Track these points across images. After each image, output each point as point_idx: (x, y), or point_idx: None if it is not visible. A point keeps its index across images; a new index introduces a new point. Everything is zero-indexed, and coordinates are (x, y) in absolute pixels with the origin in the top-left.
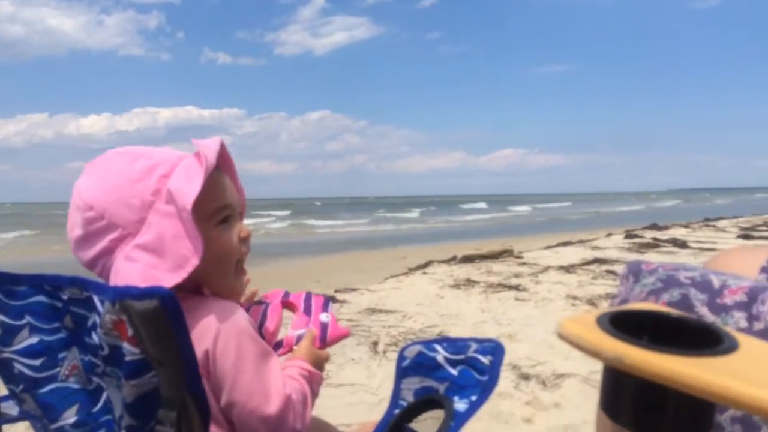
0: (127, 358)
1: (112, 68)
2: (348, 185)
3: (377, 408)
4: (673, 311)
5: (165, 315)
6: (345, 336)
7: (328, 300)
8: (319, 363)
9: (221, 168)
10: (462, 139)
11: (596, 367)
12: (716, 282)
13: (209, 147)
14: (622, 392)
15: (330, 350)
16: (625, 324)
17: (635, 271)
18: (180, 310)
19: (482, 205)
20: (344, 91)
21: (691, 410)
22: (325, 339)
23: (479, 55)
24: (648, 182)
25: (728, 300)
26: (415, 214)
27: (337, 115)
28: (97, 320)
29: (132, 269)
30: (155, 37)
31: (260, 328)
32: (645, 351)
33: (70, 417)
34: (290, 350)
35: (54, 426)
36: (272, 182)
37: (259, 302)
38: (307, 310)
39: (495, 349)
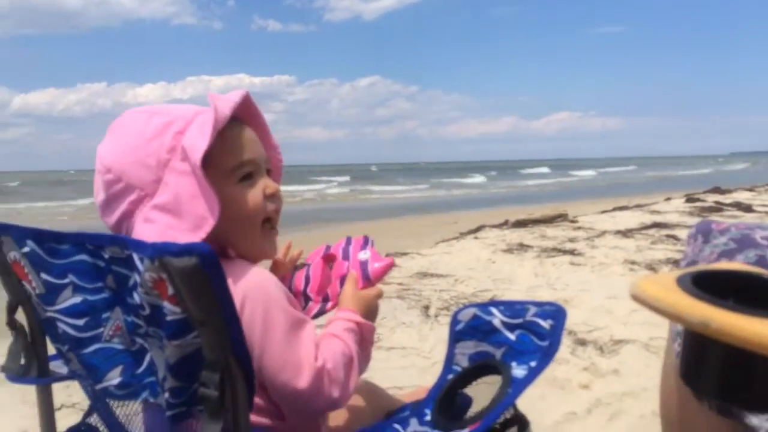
0: (169, 318)
1: (166, 37)
2: (398, 151)
3: (429, 371)
4: (764, 271)
5: (204, 272)
6: (390, 267)
7: (368, 238)
8: (369, 303)
9: (245, 122)
10: (514, 103)
11: (657, 333)
12: None
13: (225, 99)
14: (705, 359)
15: (381, 314)
16: (709, 285)
17: (705, 231)
18: (220, 268)
19: (544, 169)
20: (394, 57)
21: None
22: (368, 276)
23: (531, 16)
24: (710, 145)
25: None
26: (479, 179)
27: (387, 80)
28: (138, 279)
29: (150, 231)
30: (207, 5)
31: (305, 292)
32: (735, 314)
33: (114, 378)
34: (338, 301)
35: (99, 387)
36: (322, 149)
37: (302, 265)
38: (346, 256)
39: (556, 313)
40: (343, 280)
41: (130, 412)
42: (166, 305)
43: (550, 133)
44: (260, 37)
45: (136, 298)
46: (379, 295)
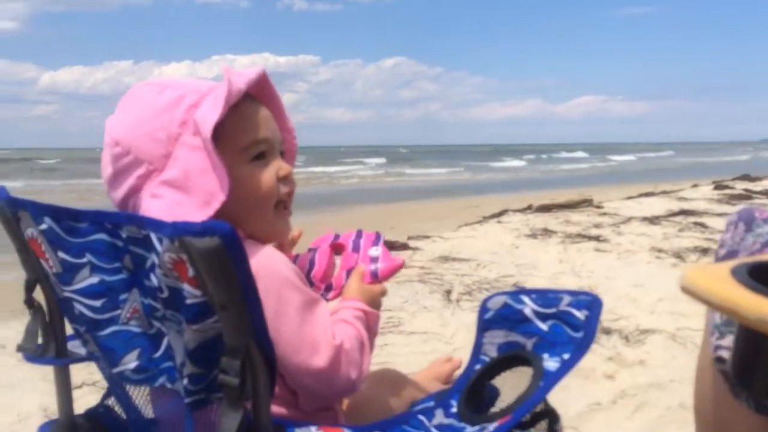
0: (188, 301)
1: (192, 16)
2: (421, 132)
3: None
4: None
5: (227, 254)
6: (398, 267)
7: (380, 235)
8: (373, 299)
9: (260, 100)
10: (538, 86)
11: (685, 323)
12: None
13: (240, 74)
14: (761, 357)
15: (402, 298)
16: (765, 277)
17: (747, 219)
18: (242, 249)
19: (581, 154)
20: (419, 38)
21: None
22: (376, 273)
23: None
24: (740, 131)
25: None
26: (516, 163)
27: (411, 61)
28: (156, 260)
29: (156, 206)
30: None
31: (308, 275)
32: None
33: (130, 362)
34: (341, 292)
35: (115, 370)
36: (346, 130)
37: (309, 249)
38: (356, 248)
39: (591, 304)
40: (350, 272)
41: (148, 397)
42: (186, 288)
43: (574, 117)
44: (286, 16)
45: (154, 280)
46: (384, 293)
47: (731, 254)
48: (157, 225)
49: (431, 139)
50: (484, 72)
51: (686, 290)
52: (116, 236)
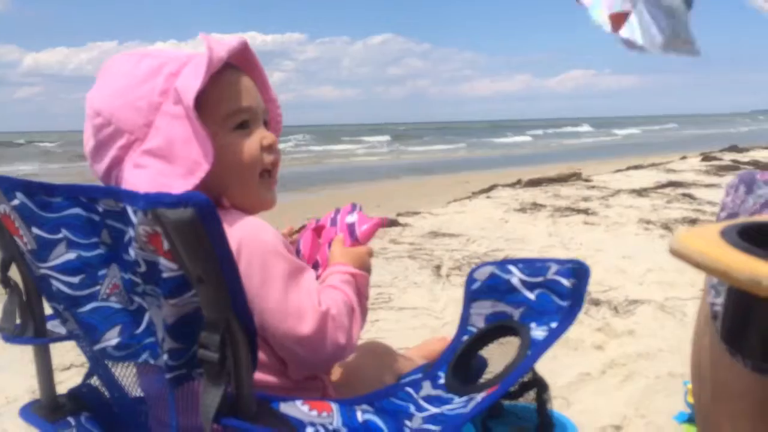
0: (165, 275)
1: None
2: (409, 110)
3: (440, 332)
4: None
5: (202, 225)
6: (378, 226)
7: (355, 204)
8: (359, 259)
9: (242, 70)
10: (527, 61)
11: (673, 293)
12: None
13: (220, 42)
14: (752, 318)
15: (391, 274)
16: (756, 239)
17: (748, 181)
18: (218, 220)
19: (587, 127)
20: (406, 14)
21: None
22: (355, 236)
23: None
24: (728, 102)
25: None
26: (523, 138)
27: (399, 38)
28: (133, 234)
29: (139, 177)
30: None
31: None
32: None
33: (111, 338)
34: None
35: (96, 347)
36: (333, 108)
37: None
38: (334, 223)
39: (579, 272)
40: (331, 244)
41: (130, 374)
42: (162, 261)
43: (565, 92)
44: None
45: (132, 254)
46: (370, 253)
47: (732, 216)
48: (132, 197)
49: (421, 116)
50: (473, 48)
51: (676, 253)
52: (92, 210)
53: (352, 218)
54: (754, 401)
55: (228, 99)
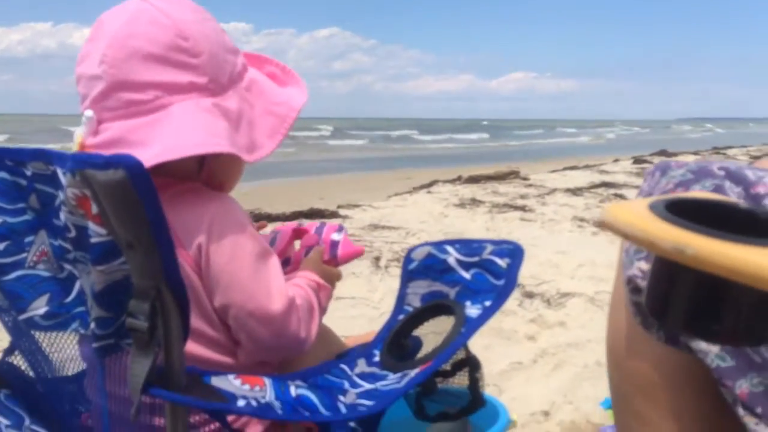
0: (93, 240)
1: None
2: (352, 106)
3: (378, 321)
4: (741, 202)
5: (133, 188)
6: (358, 254)
7: (342, 226)
8: (329, 277)
9: None
10: (472, 61)
11: (603, 287)
12: (752, 176)
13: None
14: (675, 288)
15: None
16: (681, 213)
17: (663, 168)
18: (151, 184)
19: (540, 130)
20: (354, 9)
21: (757, 309)
22: (335, 255)
23: None
24: (659, 110)
25: (761, 189)
26: (476, 135)
27: (346, 32)
28: (63, 197)
29: (211, 122)
30: None
31: None
32: (713, 240)
33: (39, 307)
34: (298, 268)
35: (23, 317)
36: None
37: (271, 231)
38: (318, 232)
39: (513, 252)
40: (309, 250)
41: (56, 350)
42: (91, 226)
43: (507, 93)
44: None
45: (62, 218)
46: (339, 277)
47: (648, 196)
48: (61, 158)
49: (366, 112)
50: (419, 45)
51: (606, 225)
52: (19, 174)
53: (338, 237)
54: (665, 373)
55: None
